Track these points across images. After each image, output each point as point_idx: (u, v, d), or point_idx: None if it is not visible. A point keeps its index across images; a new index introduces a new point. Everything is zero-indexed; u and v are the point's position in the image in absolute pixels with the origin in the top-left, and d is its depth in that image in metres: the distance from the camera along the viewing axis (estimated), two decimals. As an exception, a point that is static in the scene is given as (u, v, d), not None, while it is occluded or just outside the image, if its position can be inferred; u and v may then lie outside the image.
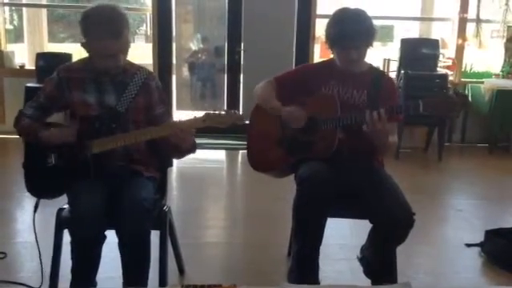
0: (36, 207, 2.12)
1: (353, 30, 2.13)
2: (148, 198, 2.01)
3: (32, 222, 2.11)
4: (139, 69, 2.15)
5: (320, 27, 5.43)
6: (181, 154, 2.13)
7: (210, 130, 2.03)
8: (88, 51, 2.05)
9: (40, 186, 2.12)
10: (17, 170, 2.19)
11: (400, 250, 2.15)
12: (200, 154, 4.98)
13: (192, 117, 2.00)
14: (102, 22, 1.94)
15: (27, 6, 6.12)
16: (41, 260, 2.14)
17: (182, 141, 1.99)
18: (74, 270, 2.01)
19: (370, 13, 2.21)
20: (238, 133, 3.13)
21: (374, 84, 2.24)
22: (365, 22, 2.17)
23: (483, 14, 5.68)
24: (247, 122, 2.48)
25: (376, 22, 2.23)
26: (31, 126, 2.09)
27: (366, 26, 2.16)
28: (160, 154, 2.20)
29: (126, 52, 2.04)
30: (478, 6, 5.61)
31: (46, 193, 2.13)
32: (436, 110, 1.99)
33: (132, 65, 2.15)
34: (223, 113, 1.96)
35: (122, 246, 1.99)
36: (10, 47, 5.83)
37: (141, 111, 2.12)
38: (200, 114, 1.98)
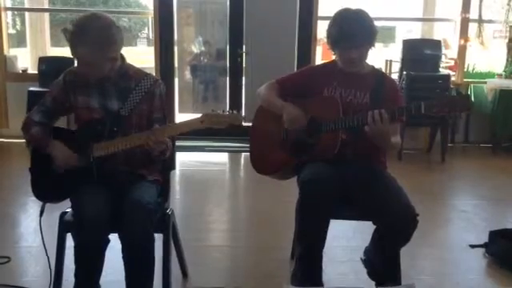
0: (42, 211, 2.13)
1: (354, 30, 2.13)
2: (152, 201, 2.01)
3: (37, 226, 2.11)
4: (146, 75, 2.14)
5: (322, 29, 5.43)
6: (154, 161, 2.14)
7: (212, 132, 2.03)
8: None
9: (45, 189, 2.12)
10: (21, 175, 2.20)
11: (404, 252, 2.15)
12: (203, 156, 5.04)
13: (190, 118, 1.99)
14: (81, 33, 1.92)
15: (30, 10, 6.13)
16: (49, 264, 2.13)
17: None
18: (77, 274, 2.01)
19: (371, 14, 2.21)
20: (240, 135, 3.13)
21: (376, 86, 2.24)
22: (366, 22, 2.17)
23: (485, 14, 5.66)
24: (250, 124, 2.48)
25: (378, 23, 2.23)
26: (41, 138, 2.10)
27: (368, 26, 2.17)
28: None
29: (112, 60, 2.01)
30: (480, 7, 5.59)
31: (50, 196, 2.14)
32: (438, 111, 1.99)
33: (137, 71, 2.15)
34: (221, 113, 1.94)
35: (125, 249, 1.99)
36: (12, 51, 5.85)
37: (143, 117, 2.12)
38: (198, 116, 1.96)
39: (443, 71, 5.28)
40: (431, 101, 1.97)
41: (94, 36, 1.92)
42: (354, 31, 2.13)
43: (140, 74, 2.14)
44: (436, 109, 1.97)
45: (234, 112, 1.95)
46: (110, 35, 1.96)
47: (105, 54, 1.97)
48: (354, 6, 2.24)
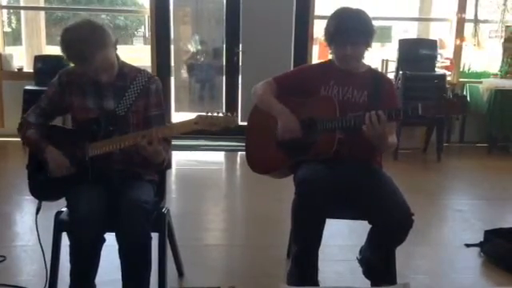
0: (38, 209, 2.13)
1: (351, 26, 2.14)
2: (148, 200, 2.01)
3: (32, 225, 2.11)
4: (140, 72, 2.13)
5: (318, 28, 5.44)
6: (151, 167, 2.13)
7: (207, 131, 2.02)
8: None
9: (41, 187, 2.12)
10: (16, 174, 2.20)
11: (399, 251, 2.15)
12: (199, 155, 5.04)
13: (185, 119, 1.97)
14: (72, 47, 1.93)
15: (25, 8, 6.12)
16: (45, 263, 2.13)
17: (152, 155, 1.98)
18: (72, 273, 2.01)
19: (368, 13, 2.22)
20: (236, 134, 3.13)
21: (374, 85, 2.24)
22: (364, 20, 2.18)
23: (481, 14, 5.69)
24: (245, 123, 2.48)
25: (374, 23, 2.23)
26: (36, 142, 2.10)
27: (365, 23, 2.17)
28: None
29: (107, 67, 2.01)
30: (476, 6, 5.62)
31: (47, 194, 2.14)
32: (435, 113, 1.99)
33: (132, 68, 2.14)
34: (215, 115, 1.92)
35: (122, 249, 1.98)
36: (8, 50, 5.84)
37: (140, 114, 2.11)
38: (194, 115, 1.95)
39: (439, 71, 5.30)
40: (428, 102, 1.97)
41: (85, 49, 1.90)
42: (352, 27, 2.13)
43: (135, 71, 2.13)
44: (433, 111, 1.98)
45: (229, 114, 1.92)
46: (100, 42, 1.94)
47: (98, 62, 1.95)
48: (352, 6, 2.24)
